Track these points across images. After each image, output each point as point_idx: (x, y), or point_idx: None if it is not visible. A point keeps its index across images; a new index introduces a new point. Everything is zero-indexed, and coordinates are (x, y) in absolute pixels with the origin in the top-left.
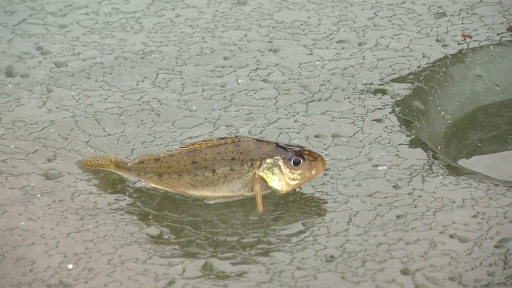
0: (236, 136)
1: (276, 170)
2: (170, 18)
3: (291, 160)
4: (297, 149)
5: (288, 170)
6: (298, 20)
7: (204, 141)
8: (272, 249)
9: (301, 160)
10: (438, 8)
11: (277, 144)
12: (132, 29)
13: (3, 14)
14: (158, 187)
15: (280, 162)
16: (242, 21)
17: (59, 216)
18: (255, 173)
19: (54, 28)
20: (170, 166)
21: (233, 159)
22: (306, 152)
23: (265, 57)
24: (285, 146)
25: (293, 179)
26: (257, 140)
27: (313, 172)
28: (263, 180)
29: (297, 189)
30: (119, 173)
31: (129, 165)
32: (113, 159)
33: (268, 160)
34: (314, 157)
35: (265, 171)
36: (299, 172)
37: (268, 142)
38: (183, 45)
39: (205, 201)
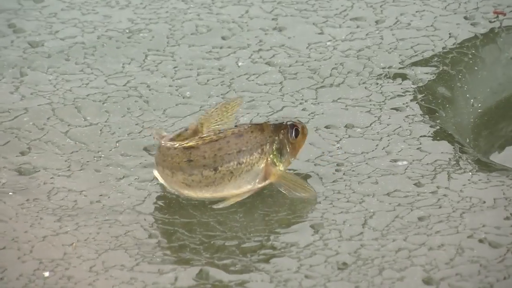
0: (234, 127)
1: (284, 150)
2: None
3: (292, 132)
4: (286, 121)
5: (291, 145)
6: None
7: (201, 137)
8: (276, 255)
9: (298, 128)
10: None
11: (273, 123)
12: (117, 4)
13: None
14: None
15: (285, 139)
16: None
17: (34, 217)
18: (267, 158)
19: (28, 3)
20: (165, 159)
21: (239, 151)
22: (292, 121)
23: (269, 37)
24: (275, 122)
25: (292, 156)
26: (255, 124)
27: (303, 142)
28: (273, 163)
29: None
30: None
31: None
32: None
33: (277, 139)
34: (302, 126)
35: (275, 153)
36: (297, 144)
37: (263, 123)
38: (175, 22)
39: (214, 206)
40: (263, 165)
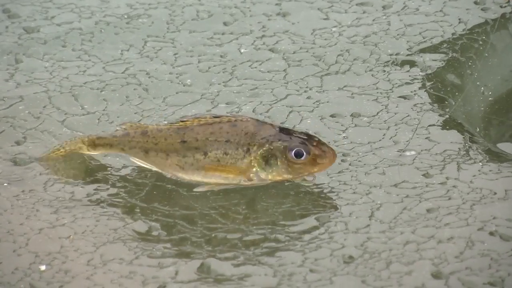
0: (233, 114)
1: (272, 160)
2: None
3: (292, 150)
4: (304, 137)
5: (286, 161)
6: None
7: (197, 118)
8: (280, 248)
9: (304, 154)
10: None
11: (281, 128)
12: None
13: None
14: (146, 165)
15: (279, 151)
16: None
17: (30, 208)
18: (251, 160)
19: None
20: (157, 142)
21: (227, 141)
22: (314, 143)
23: (273, 23)
24: (291, 131)
25: (287, 173)
26: (258, 121)
27: (315, 169)
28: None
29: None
30: (95, 153)
31: (111, 138)
32: (85, 139)
33: (266, 147)
34: (323, 150)
35: (258, 158)
36: (297, 166)
37: (272, 124)
38: (175, 7)
39: (194, 190)
40: (244, 164)
